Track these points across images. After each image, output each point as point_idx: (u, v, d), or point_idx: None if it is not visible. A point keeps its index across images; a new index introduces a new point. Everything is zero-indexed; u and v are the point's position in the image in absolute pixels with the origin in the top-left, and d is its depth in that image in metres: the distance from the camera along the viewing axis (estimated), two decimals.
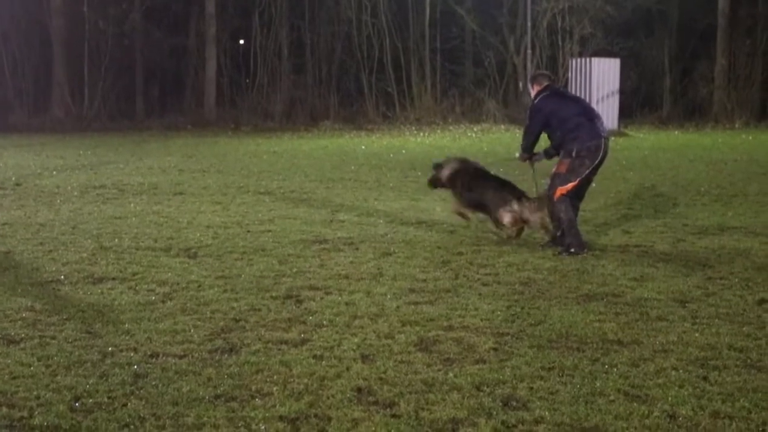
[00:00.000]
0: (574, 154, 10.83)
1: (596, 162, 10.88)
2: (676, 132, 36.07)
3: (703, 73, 43.61)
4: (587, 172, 10.88)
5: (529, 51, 42.50)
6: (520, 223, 11.41)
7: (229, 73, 48.05)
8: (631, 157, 24.56)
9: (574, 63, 36.86)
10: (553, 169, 11.15)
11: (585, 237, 11.38)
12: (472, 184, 11.82)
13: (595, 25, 43.01)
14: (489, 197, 11.57)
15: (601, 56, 38.13)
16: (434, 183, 12.40)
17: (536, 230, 11.50)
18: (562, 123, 10.94)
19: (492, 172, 12.30)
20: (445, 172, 12.10)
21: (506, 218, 11.40)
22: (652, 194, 16.24)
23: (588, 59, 36.63)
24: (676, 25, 45.97)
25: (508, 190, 11.60)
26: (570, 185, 10.87)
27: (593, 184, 15.39)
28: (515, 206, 11.35)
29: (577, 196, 11.16)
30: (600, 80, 35.51)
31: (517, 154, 12.01)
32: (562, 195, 10.90)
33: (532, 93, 11.44)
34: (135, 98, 48.04)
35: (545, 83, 11.39)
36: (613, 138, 31.65)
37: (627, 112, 39.70)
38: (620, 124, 36.33)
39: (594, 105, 34.40)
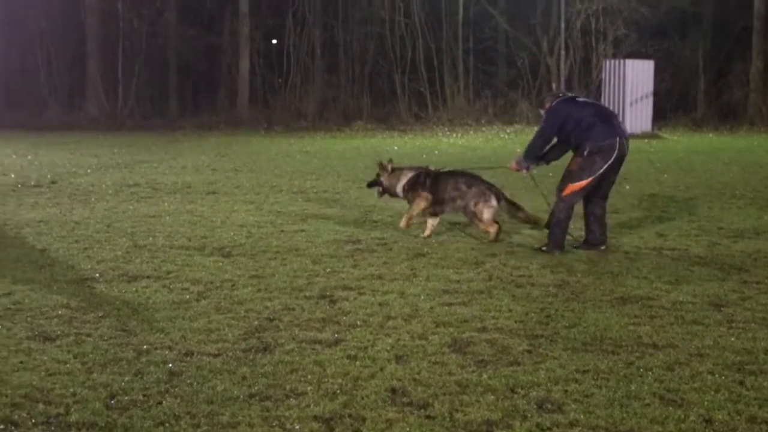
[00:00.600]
0: (585, 153, 10.81)
1: (610, 161, 10.83)
2: (711, 134, 35.85)
3: (738, 75, 43.31)
4: (601, 171, 10.83)
5: (562, 52, 42.38)
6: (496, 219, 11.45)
7: (262, 73, 48.25)
8: (665, 159, 24.44)
9: (608, 64, 36.73)
10: (566, 167, 11.13)
11: (618, 241, 11.35)
12: (438, 181, 11.75)
13: (629, 27, 42.81)
14: (464, 191, 11.55)
15: (635, 58, 38.01)
16: (382, 189, 12.23)
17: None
18: (577, 124, 10.92)
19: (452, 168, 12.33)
20: (401, 181, 11.96)
21: (486, 214, 11.38)
22: (686, 197, 16.15)
23: (622, 61, 36.52)
24: (711, 26, 45.71)
25: (484, 184, 11.60)
26: (582, 183, 10.84)
27: (626, 186, 15.31)
28: (494, 202, 11.35)
29: (599, 195, 11.13)
30: (634, 82, 35.38)
31: (513, 163, 11.74)
32: (573, 192, 10.88)
33: (543, 112, 11.42)
34: (168, 97, 48.30)
35: (555, 99, 11.41)
36: (647, 140, 31.64)
37: (661, 114, 39.49)
38: (654, 126, 36.18)
39: (627, 107, 34.72)
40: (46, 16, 45.71)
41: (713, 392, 5.89)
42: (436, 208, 11.76)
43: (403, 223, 11.83)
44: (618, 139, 10.86)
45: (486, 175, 12.00)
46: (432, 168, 12.19)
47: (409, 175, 11.96)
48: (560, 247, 10.89)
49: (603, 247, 11.04)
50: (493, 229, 11.45)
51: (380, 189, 12.23)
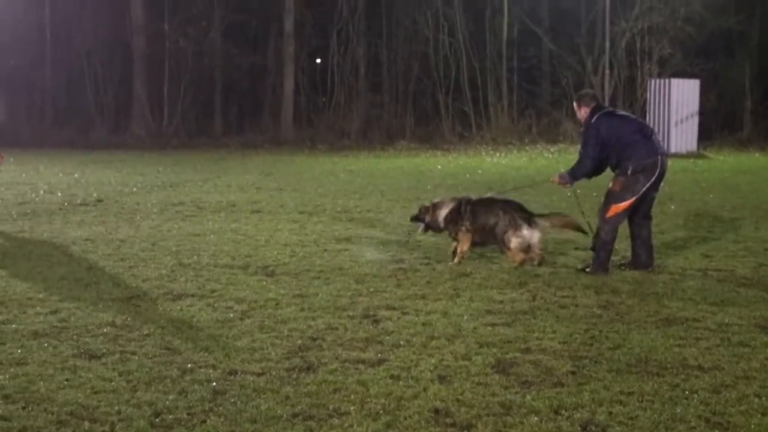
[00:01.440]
0: (629, 172, 10.74)
1: (653, 179, 10.77)
2: (757, 154, 35.54)
3: None
4: (644, 189, 10.78)
5: (607, 71, 42.23)
6: (526, 250, 11.26)
7: (306, 92, 48.44)
8: (711, 179, 24.26)
9: (653, 84, 36.56)
10: (608, 187, 11.05)
11: (663, 262, 11.29)
12: (477, 210, 11.54)
13: (674, 46, 42.59)
14: (501, 216, 11.36)
15: (680, 77, 37.78)
16: (426, 225, 11.97)
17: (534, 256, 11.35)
18: (619, 141, 10.84)
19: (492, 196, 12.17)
20: (442, 212, 11.74)
21: (513, 243, 11.25)
22: (732, 217, 16.01)
23: (667, 80, 36.32)
24: (757, 45, 45.38)
25: (518, 212, 11.39)
26: (626, 203, 10.79)
27: (672, 207, 15.21)
28: (525, 232, 11.22)
29: (643, 214, 11.07)
30: (679, 101, 35.19)
31: (556, 177, 11.59)
32: (616, 214, 10.83)
33: (580, 113, 11.29)
34: (213, 116, 48.61)
35: (593, 104, 11.26)
36: (692, 160, 31.44)
37: (707, 134, 39.21)
38: (700, 146, 35.94)
39: (673, 126, 34.51)
40: (93, 36, 46.22)
41: (760, 415, 5.83)
42: (476, 238, 11.58)
43: (456, 260, 11.64)
44: (660, 157, 10.81)
45: (530, 195, 11.89)
46: (472, 197, 12.04)
47: (451, 206, 11.81)
48: (605, 269, 10.82)
49: (650, 269, 10.96)
50: (518, 258, 11.28)
51: (424, 226, 12.04)
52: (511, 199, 11.86)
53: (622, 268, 11.07)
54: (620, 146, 10.82)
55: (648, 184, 10.77)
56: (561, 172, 11.59)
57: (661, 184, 11.11)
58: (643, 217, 11.13)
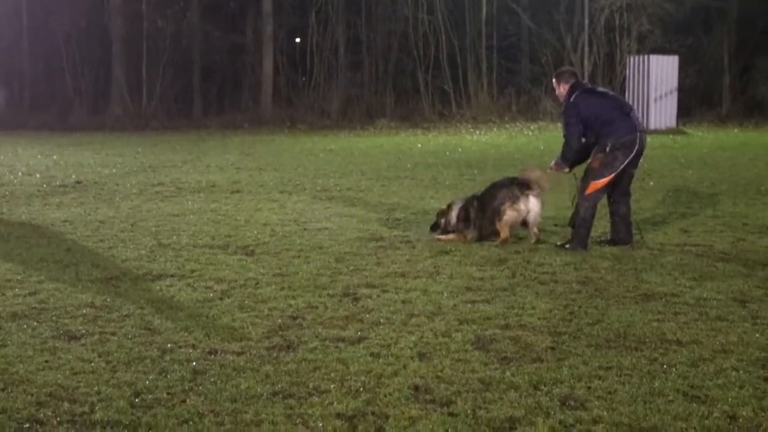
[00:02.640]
0: (608, 149, 10.77)
1: (631, 156, 10.81)
2: (736, 130, 35.64)
3: (763, 69, 43.07)
4: (622, 166, 10.81)
5: (586, 48, 42.23)
6: (518, 223, 11.29)
7: (286, 72, 48.28)
8: (690, 155, 24.33)
9: (632, 60, 36.60)
10: (588, 164, 11.08)
11: (640, 237, 11.34)
12: (483, 201, 11.52)
13: (653, 23, 42.62)
14: (503, 193, 11.33)
15: (659, 54, 37.83)
16: (443, 230, 11.82)
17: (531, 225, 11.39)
18: (598, 119, 10.86)
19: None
20: (453, 214, 11.67)
21: (506, 215, 11.24)
22: (711, 193, 16.07)
23: (646, 57, 36.36)
24: (735, 21, 45.43)
25: (516, 185, 11.36)
26: (605, 180, 10.82)
27: (651, 183, 15.28)
28: (521, 205, 11.20)
29: (621, 191, 11.11)
30: (658, 78, 35.25)
31: (553, 163, 11.47)
32: (596, 190, 10.86)
33: (559, 90, 11.29)
34: (193, 97, 48.46)
35: (572, 81, 11.27)
36: (671, 136, 31.53)
37: (685, 110, 39.30)
38: (679, 122, 36.02)
39: (652, 103, 34.58)
40: (70, 18, 45.92)
41: (737, 389, 5.87)
42: (486, 229, 11.48)
43: (441, 238, 11.60)
44: (639, 134, 10.84)
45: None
46: (478, 193, 11.89)
47: (459, 205, 11.71)
48: (585, 246, 10.85)
49: (629, 246, 11.00)
50: (504, 232, 11.26)
51: (441, 230, 11.85)
52: (507, 177, 11.90)
53: (602, 244, 11.11)
54: (599, 123, 10.84)
55: (626, 161, 10.80)
56: (556, 159, 11.50)
57: (640, 161, 11.14)
58: (623, 194, 11.16)
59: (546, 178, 11.38)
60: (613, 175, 10.79)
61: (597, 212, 11.07)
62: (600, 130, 10.83)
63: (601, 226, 11.64)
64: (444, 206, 12.09)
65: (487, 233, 11.49)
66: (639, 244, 11.05)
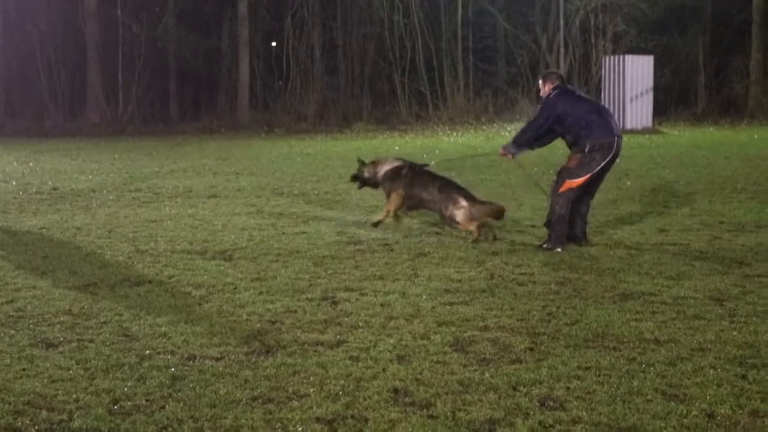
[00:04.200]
0: (586, 149, 10.85)
1: (607, 159, 10.88)
2: (711, 128, 35.83)
3: (737, 68, 43.35)
4: (597, 168, 10.88)
5: (561, 49, 42.40)
6: (473, 220, 11.45)
7: (262, 76, 48.32)
8: (666, 154, 24.44)
9: (608, 61, 36.76)
10: (564, 164, 11.14)
11: (619, 237, 11.39)
12: (414, 180, 11.87)
13: (628, 23, 42.85)
14: (436, 196, 11.64)
15: (634, 53, 38.04)
16: (362, 181, 12.46)
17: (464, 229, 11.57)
18: (577, 120, 10.94)
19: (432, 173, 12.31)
20: (383, 168, 12.11)
21: (459, 216, 11.45)
22: (687, 192, 16.15)
23: (621, 57, 36.52)
24: (709, 20, 45.72)
25: (454, 188, 11.69)
26: (580, 180, 10.89)
27: (627, 182, 15.35)
28: (463, 203, 11.40)
29: (588, 192, 11.18)
30: (634, 78, 35.40)
31: (501, 149, 11.73)
32: (570, 189, 10.93)
33: (544, 90, 11.42)
34: (169, 102, 48.39)
35: (557, 82, 11.37)
36: (647, 136, 31.66)
37: (661, 110, 39.51)
38: (654, 122, 36.20)
39: (628, 103, 34.73)
40: (45, 23, 45.73)
41: (715, 387, 5.89)
42: (408, 203, 11.94)
43: (379, 217, 12.03)
44: (616, 138, 10.92)
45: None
46: (417, 164, 12.30)
47: (394, 164, 12.09)
48: (562, 244, 10.90)
49: (583, 243, 11.08)
50: (473, 227, 11.45)
51: (360, 182, 12.48)
52: (451, 180, 12.10)
53: (583, 243, 11.17)
54: (577, 126, 10.90)
55: (603, 163, 10.87)
56: (504, 144, 11.71)
57: (613, 165, 11.21)
58: (588, 194, 11.26)
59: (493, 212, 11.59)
60: (588, 175, 10.85)
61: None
62: (579, 132, 10.89)
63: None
64: (368, 161, 12.56)
65: (409, 206, 11.98)
66: (615, 244, 11.08)
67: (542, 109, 11.25)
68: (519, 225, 12.26)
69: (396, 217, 12.13)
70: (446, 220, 11.65)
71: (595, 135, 10.82)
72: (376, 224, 12.08)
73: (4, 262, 10.62)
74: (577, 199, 11.15)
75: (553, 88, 11.25)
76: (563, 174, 11.01)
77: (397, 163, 12.11)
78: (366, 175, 12.33)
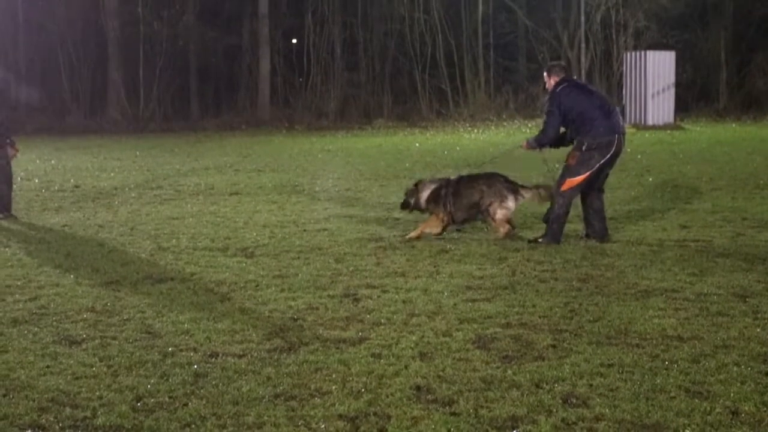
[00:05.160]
0: (584, 147, 10.85)
1: (607, 157, 10.87)
2: (734, 125, 35.67)
3: (760, 64, 43.11)
4: (598, 165, 10.87)
5: (582, 45, 42.29)
6: (508, 222, 11.45)
7: (283, 73, 48.35)
8: (688, 150, 24.34)
9: (629, 57, 36.61)
10: (565, 161, 11.15)
11: (641, 233, 11.36)
12: (458, 191, 11.64)
13: (649, 18, 42.68)
14: (485, 191, 11.51)
15: (656, 49, 37.85)
16: (411, 206, 12.14)
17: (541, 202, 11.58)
18: (580, 115, 10.94)
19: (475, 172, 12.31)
20: (423, 194, 11.85)
21: (499, 214, 11.41)
22: (709, 188, 16.07)
23: (643, 52, 36.37)
24: (731, 16, 45.48)
25: (503, 183, 11.57)
26: (580, 178, 10.90)
27: (649, 179, 15.27)
28: (510, 204, 11.39)
29: (594, 188, 11.16)
30: (655, 73, 35.24)
31: (523, 144, 11.77)
32: (571, 188, 10.95)
33: (548, 84, 11.40)
34: (190, 99, 48.50)
35: (562, 75, 11.36)
36: (669, 131, 31.53)
37: (683, 106, 39.35)
38: (676, 118, 36.02)
39: (649, 99, 34.57)
40: (66, 21, 45.90)
41: (739, 384, 5.86)
42: (460, 216, 11.66)
43: (412, 235, 11.68)
44: (616, 136, 10.88)
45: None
46: (453, 177, 12.08)
47: (432, 186, 11.86)
48: (557, 241, 10.95)
49: (605, 239, 11.05)
50: (503, 230, 11.40)
51: (410, 206, 12.16)
52: (495, 172, 11.95)
53: (580, 240, 11.16)
54: (580, 120, 10.92)
55: (602, 161, 10.87)
56: (528, 139, 11.70)
57: (617, 161, 11.18)
58: (597, 190, 11.21)
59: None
60: (588, 173, 10.86)
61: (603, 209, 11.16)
62: (579, 127, 10.93)
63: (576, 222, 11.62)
64: (411, 185, 12.38)
65: (458, 220, 11.70)
66: (637, 240, 11.05)
67: (550, 104, 11.30)
68: (540, 222, 12.21)
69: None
70: (483, 212, 11.54)
71: (594, 132, 10.82)
72: (408, 240, 11.64)
73: (27, 259, 10.67)
74: (588, 196, 11.14)
75: (558, 82, 11.25)
76: (565, 172, 11.02)
77: (434, 185, 11.85)
78: (411, 201, 12.06)
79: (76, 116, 44.31)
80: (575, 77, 11.71)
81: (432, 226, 11.65)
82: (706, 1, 44.78)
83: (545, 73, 11.54)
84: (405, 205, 12.22)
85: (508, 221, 11.47)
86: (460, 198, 11.58)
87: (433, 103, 44.96)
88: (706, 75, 45.09)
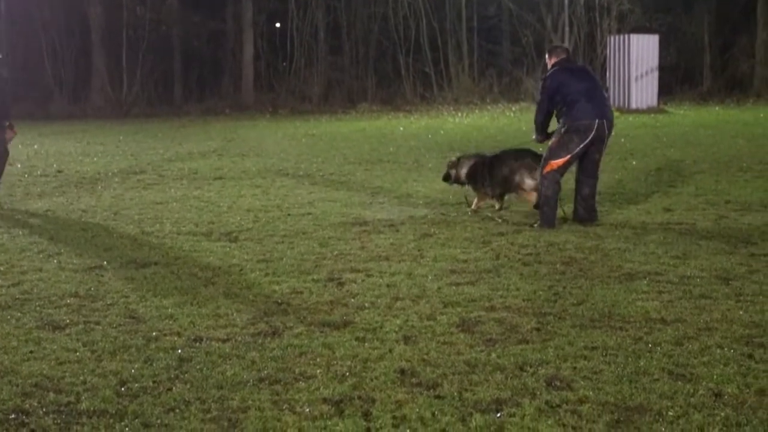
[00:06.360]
0: (563, 130, 10.96)
1: (586, 141, 10.88)
2: (717, 108, 35.72)
3: (743, 47, 43.18)
4: (578, 149, 10.91)
5: (566, 28, 42.26)
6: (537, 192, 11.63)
7: (267, 57, 48.24)
8: (672, 133, 24.38)
9: (613, 40, 36.62)
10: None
11: (624, 216, 11.38)
12: (493, 164, 12.14)
13: (633, 1, 42.67)
14: (514, 166, 11.91)
15: (639, 32, 37.88)
16: (452, 179, 12.83)
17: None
18: (563, 98, 11.01)
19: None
20: (463, 169, 12.50)
21: (528, 185, 11.78)
22: (693, 171, 16.12)
23: (626, 36, 36.39)
24: None
25: (531, 156, 11.92)
26: (561, 161, 10.96)
27: (633, 162, 15.31)
28: (537, 174, 11.52)
29: (586, 173, 11.20)
30: (639, 57, 35.26)
31: (533, 137, 11.97)
32: (552, 170, 11.02)
33: (549, 64, 11.49)
34: (173, 84, 48.35)
35: (562, 56, 11.42)
36: (652, 115, 31.58)
37: (667, 89, 39.39)
38: (660, 101, 36.07)
39: (633, 82, 34.61)
40: (49, 7, 45.65)
41: (722, 366, 5.88)
42: (499, 190, 12.18)
43: (472, 208, 12.37)
44: (597, 120, 10.88)
45: None
46: (487, 154, 12.73)
47: (470, 162, 12.50)
48: (551, 224, 10.97)
49: (589, 223, 11.12)
50: (532, 198, 11.74)
51: (452, 179, 12.81)
52: (527, 148, 12.33)
53: (566, 223, 11.24)
54: (562, 103, 11.04)
55: (582, 145, 10.90)
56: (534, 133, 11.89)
57: (604, 146, 11.19)
58: (587, 176, 11.24)
59: None
60: (568, 156, 10.92)
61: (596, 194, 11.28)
62: (561, 110, 11.07)
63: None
64: (453, 158, 13.12)
65: (495, 195, 12.24)
66: (621, 223, 11.08)
67: (541, 87, 11.45)
68: (524, 206, 12.23)
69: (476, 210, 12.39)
70: (512, 187, 11.97)
71: (573, 116, 10.88)
72: (475, 211, 12.26)
73: (10, 244, 10.63)
74: (579, 181, 11.19)
75: (554, 64, 11.31)
76: (547, 155, 11.10)
77: (472, 161, 12.51)
78: (453, 173, 12.71)
79: (60, 102, 44.12)
80: (573, 61, 11.78)
81: (479, 199, 12.37)
82: None
83: (547, 54, 11.69)
84: (446, 177, 12.90)
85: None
86: (494, 173, 12.05)
87: (417, 87, 44.93)
88: (689, 58, 45.16)
